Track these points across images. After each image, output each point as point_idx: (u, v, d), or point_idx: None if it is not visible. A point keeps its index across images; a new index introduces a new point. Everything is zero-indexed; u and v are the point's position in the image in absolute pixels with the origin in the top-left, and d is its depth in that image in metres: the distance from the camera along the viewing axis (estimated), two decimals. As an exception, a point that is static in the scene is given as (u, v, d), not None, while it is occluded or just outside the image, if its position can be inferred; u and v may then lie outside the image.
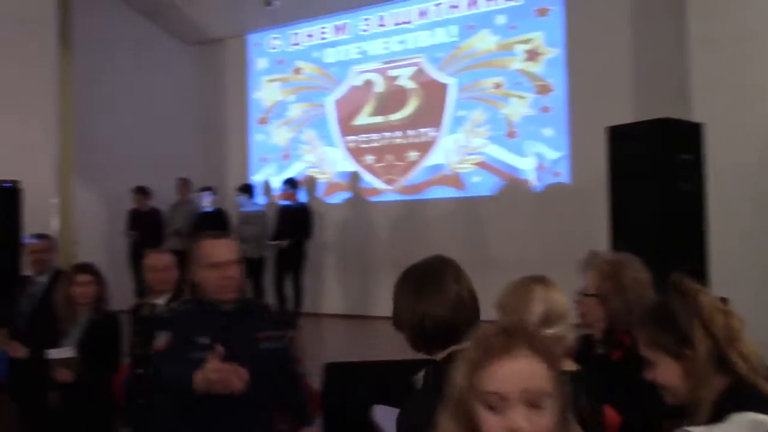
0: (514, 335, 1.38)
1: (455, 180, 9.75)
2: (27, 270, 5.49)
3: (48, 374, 4.08)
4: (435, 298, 1.96)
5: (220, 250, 2.95)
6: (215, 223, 9.41)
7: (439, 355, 1.93)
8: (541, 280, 2.23)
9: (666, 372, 1.80)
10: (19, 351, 4.33)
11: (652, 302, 2.02)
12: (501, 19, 9.51)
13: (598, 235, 7.14)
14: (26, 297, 5.08)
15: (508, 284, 2.26)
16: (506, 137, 9.38)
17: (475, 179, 9.60)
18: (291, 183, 9.71)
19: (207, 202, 9.75)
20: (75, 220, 10.24)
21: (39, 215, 9.27)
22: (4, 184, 9.01)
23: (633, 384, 2.08)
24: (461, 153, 9.72)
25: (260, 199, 10.82)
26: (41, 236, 5.27)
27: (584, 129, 8.68)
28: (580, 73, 8.85)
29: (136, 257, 9.33)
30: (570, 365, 2.20)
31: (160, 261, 4.18)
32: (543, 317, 2.15)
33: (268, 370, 2.85)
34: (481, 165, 9.56)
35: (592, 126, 8.43)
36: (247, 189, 9.90)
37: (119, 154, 10.87)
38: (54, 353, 4.09)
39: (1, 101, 9.46)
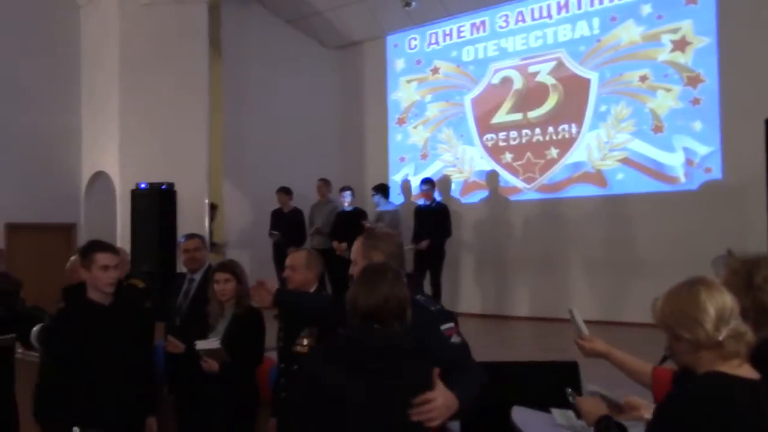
0: None
1: (598, 177, 9.44)
2: (182, 268, 5.82)
3: (198, 365, 4.31)
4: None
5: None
6: (354, 222, 9.61)
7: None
8: (704, 282, 2.16)
9: None
10: (176, 347, 4.58)
11: None
12: (646, 9, 9.11)
13: (755, 235, 6.70)
14: (183, 294, 5.38)
15: (668, 291, 2.18)
16: (652, 132, 8.98)
17: (619, 176, 9.26)
18: (428, 183, 9.75)
19: (346, 202, 9.97)
20: (224, 220, 10.79)
21: (192, 216, 9.85)
22: (161, 186, 9.65)
23: None
24: (604, 149, 9.40)
25: (398, 199, 10.94)
26: (193, 236, 5.55)
27: (738, 121, 8.17)
28: (733, 61, 8.32)
29: (279, 256, 9.71)
30: (750, 372, 2.10)
31: (290, 260, 4.24)
32: (718, 317, 2.09)
33: None
34: (626, 161, 9.20)
35: (747, 118, 7.94)
36: (382, 188, 10.04)
37: (263, 157, 11.34)
38: (201, 344, 4.31)
39: (157, 108, 10.14)
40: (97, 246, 3.86)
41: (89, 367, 3.66)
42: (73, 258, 6.20)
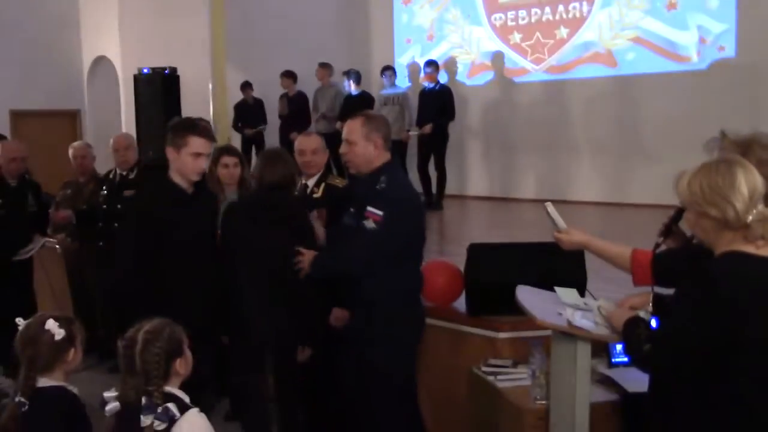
0: None
1: (608, 57, 9.24)
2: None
3: None
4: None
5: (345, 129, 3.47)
6: (360, 106, 9.49)
7: None
8: (741, 162, 2.14)
9: None
10: None
11: None
12: None
13: (767, 114, 6.63)
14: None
15: (700, 167, 2.16)
16: (665, 9, 8.71)
17: (630, 56, 9.05)
18: (432, 65, 9.56)
19: (351, 87, 9.81)
20: (228, 105, 10.67)
21: (196, 100, 9.77)
22: (164, 71, 9.52)
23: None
24: (615, 28, 9.15)
25: (404, 82, 10.76)
26: (200, 120, 5.51)
27: (756, -3, 7.92)
28: (754, -67, 7.96)
29: (285, 140, 9.71)
30: None
31: (307, 144, 4.26)
32: (750, 198, 2.08)
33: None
34: (637, 40, 8.97)
35: (765, -7, 7.68)
36: (389, 71, 9.85)
37: (267, 40, 11.03)
38: None
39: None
40: (192, 128, 3.38)
41: (175, 259, 3.31)
42: (76, 143, 6.20)
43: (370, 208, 3.27)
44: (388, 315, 3.37)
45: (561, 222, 2.89)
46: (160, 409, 2.26)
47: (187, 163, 3.33)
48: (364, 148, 3.35)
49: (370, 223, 3.27)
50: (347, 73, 9.83)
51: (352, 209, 3.43)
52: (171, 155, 3.35)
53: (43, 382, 2.53)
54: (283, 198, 3.67)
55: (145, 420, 2.24)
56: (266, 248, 3.57)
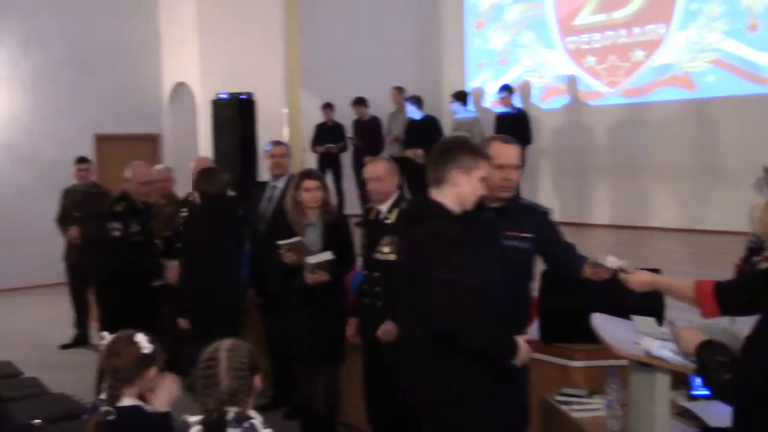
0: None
1: (686, 80, 9.04)
2: (264, 176, 5.94)
3: (294, 274, 4.42)
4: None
5: (507, 153, 3.43)
6: (425, 131, 9.46)
7: None
8: None
9: None
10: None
11: None
12: None
13: None
14: (266, 201, 5.51)
15: (766, 202, 2.13)
16: (747, 31, 8.48)
17: (709, 79, 8.83)
18: (507, 89, 9.52)
19: (414, 111, 9.77)
20: (302, 129, 10.87)
21: (271, 125, 9.99)
22: (241, 96, 9.77)
23: None
24: (693, 50, 8.95)
25: (473, 107, 10.73)
26: (279, 142, 5.71)
27: (844, 17, 7.63)
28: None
29: (358, 165, 9.79)
30: None
31: (370, 171, 4.25)
32: None
33: (506, 264, 3.14)
34: (717, 63, 8.75)
35: None
36: (461, 96, 9.83)
37: (340, 65, 11.22)
38: (312, 259, 4.36)
39: (235, 18, 10.17)
40: (479, 151, 2.99)
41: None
42: (159, 167, 6.41)
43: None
44: None
45: (626, 265, 3.07)
46: (247, 424, 2.31)
47: (476, 186, 2.94)
48: None
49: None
50: (409, 99, 9.82)
51: (525, 234, 3.44)
52: (460, 178, 2.89)
53: (125, 401, 2.57)
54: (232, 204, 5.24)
55: None
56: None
